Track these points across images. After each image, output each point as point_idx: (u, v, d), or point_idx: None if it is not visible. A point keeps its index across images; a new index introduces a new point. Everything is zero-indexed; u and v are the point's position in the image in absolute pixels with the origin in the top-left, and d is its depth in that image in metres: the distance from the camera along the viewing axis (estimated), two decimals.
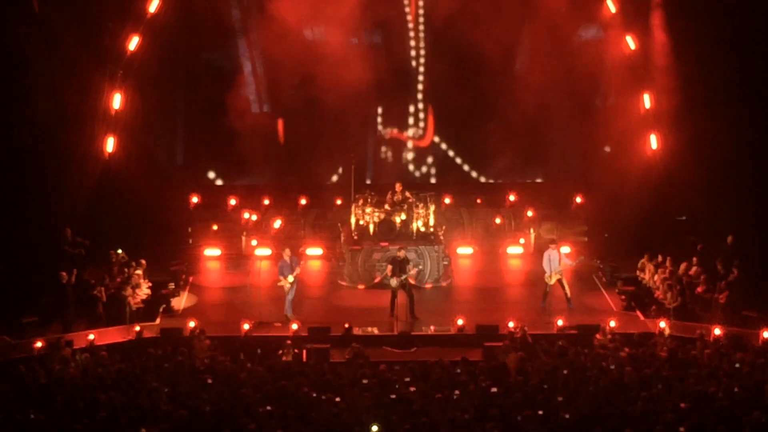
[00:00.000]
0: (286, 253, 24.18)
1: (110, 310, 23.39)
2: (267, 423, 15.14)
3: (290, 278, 23.69)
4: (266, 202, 30.01)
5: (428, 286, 26.15)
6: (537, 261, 25.67)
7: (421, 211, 27.19)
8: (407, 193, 27.32)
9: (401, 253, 24.31)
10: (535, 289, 24.94)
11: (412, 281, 24.38)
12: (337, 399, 16.26)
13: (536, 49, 29.45)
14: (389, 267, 24.07)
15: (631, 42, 28.60)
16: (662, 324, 21.64)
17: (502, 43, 28.78)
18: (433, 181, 32.01)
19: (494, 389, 16.88)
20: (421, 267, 25.76)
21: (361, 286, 26.35)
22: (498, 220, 29.56)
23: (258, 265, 25.34)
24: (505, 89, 29.24)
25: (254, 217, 29.34)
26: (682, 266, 24.59)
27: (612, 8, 28.83)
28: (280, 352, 20.54)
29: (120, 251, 25.43)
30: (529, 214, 29.44)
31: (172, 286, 25.36)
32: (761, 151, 26.83)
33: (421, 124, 31.85)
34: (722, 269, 23.83)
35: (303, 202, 30.14)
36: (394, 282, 23.73)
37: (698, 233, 26.94)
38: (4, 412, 15.58)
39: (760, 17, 26.48)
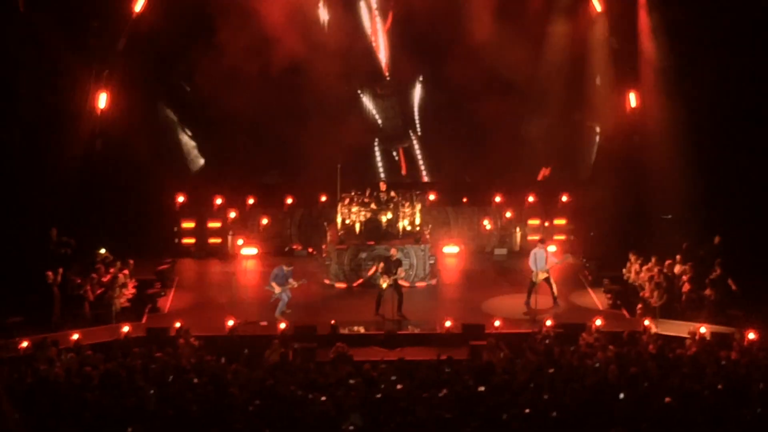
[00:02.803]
0: (287, 266, 24.11)
1: (96, 309, 23.36)
2: (253, 422, 15.14)
3: (278, 289, 23.67)
4: (251, 201, 29.96)
5: (415, 285, 26.13)
6: (523, 260, 25.69)
7: (407, 210, 27.21)
8: (392, 193, 27.36)
9: (393, 252, 24.33)
10: (521, 288, 24.94)
11: (405, 283, 24.41)
12: (323, 398, 16.27)
13: (518, 46, 29.42)
14: (381, 265, 24.03)
15: (615, 41, 28.74)
16: (648, 322, 21.71)
17: (481, 39, 28.83)
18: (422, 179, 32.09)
19: (481, 388, 16.90)
20: (413, 265, 25.81)
21: (342, 285, 26.34)
22: (488, 225, 29.58)
23: (244, 265, 25.32)
24: (486, 87, 29.27)
25: (232, 215, 29.27)
26: (667, 264, 24.71)
27: (598, 7, 28.93)
28: (267, 351, 20.52)
29: (103, 251, 25.40)
30: (510, 215, 29.55)
31: (158, 285, 25.35)
32: (748, 150, 26.90)
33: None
34: (691, 270, 23.96)
35: (289, 201, 30.09)
36: (384, 282, 23.74)
37: (683, 232, 27.01)
38: None
39: (748, 15, 26.58)
